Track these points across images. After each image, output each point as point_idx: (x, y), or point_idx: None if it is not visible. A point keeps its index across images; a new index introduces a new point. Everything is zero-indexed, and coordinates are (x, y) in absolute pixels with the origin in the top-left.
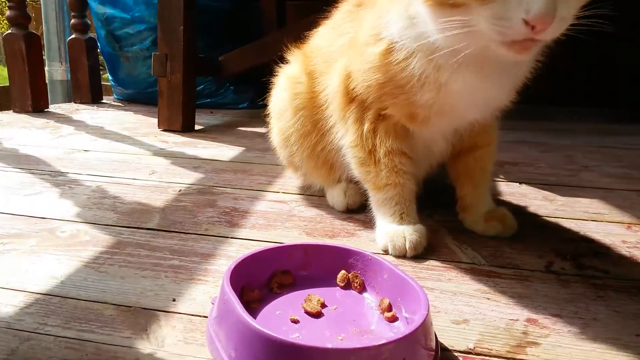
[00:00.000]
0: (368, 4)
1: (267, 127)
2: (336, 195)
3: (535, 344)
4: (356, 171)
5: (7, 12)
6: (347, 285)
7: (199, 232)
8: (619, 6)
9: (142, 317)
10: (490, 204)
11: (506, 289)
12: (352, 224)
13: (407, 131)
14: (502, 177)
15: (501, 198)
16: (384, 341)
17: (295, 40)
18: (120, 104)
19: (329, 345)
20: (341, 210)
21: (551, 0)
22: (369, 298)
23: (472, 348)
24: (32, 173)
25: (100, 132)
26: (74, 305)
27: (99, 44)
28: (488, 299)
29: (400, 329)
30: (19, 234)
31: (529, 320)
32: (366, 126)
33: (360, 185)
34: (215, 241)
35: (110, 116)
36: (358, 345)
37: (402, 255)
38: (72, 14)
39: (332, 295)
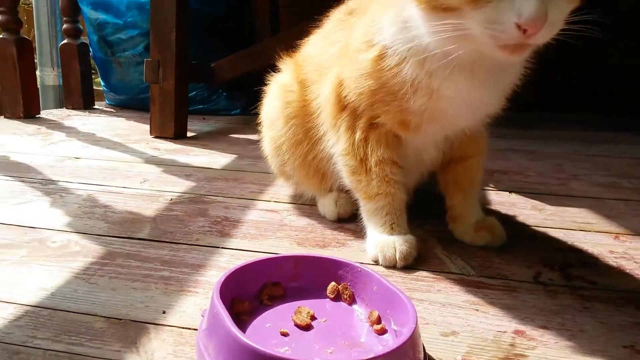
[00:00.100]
0: (359, 12)
1: (259, 134)
2: (327, 205)
3: (523, 356)
4: (347, 180)
5: None
6: (337, 297)
7: (190, 242)
8: (608, 12)
9: (132, 329)
10: (480, 214)
11: (494, 300)
12: (343, 233)
13: (398, 140)
14: (492, 185)
15: (491, 207)
16: (372, 355)
17: (288, 47)
18: (112, 110)
19: None
20: (332, 219)
21: (542, 5)
22: (359, 310)
23: None
24: (22, 181)
25: (91, 138)
26: (64, 317)
27: (91, 49)
28: (477, 310)
29: (389, 342)
30: (9, 244)
31: (516, 332)
32: (358, 135)
33: (351, 194)
34: (206, 251)
35: (102, 122)
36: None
37: (392, 266)
38: (64, 18)
39: (322, 307)
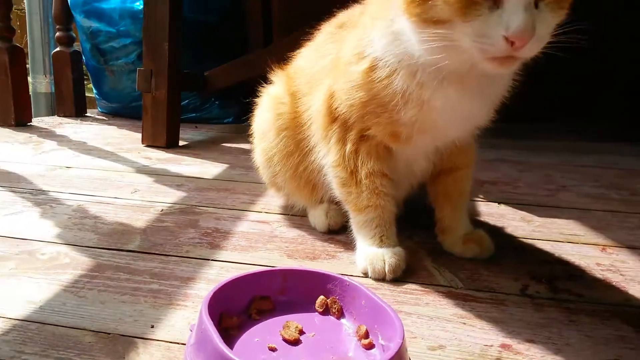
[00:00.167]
0: (349, 25)
1: (251, 144)
2: (318, 216)
3: None
4: (337, 192)
5: None
6: (326, 311)
7: (179, 254)
8: (596, 22)
9: (120, 344)
10: (468, 226)
11: (482, 313)
12: (333, 245)
13: (389, 152)
14: (481, 196)
15: (480, 218)
16: None
17: (281, 56)
18: (104, 118)
19: None
20: (323, 231)
21: (530, 19)
22: (347, 324)
23: None
24: (13, 191)
25: (83, 147)
26: (52, 332)
27: (83, 57)
28: (464, 323)
29: (377, 357)
30: None
31: (503, 345)
32: (348, 147)
33: (341, 206)
34: (195, 264)
35: (93, 131)
36: None
37: (381, 279)
38: (57, 26)
39: (310, 321)
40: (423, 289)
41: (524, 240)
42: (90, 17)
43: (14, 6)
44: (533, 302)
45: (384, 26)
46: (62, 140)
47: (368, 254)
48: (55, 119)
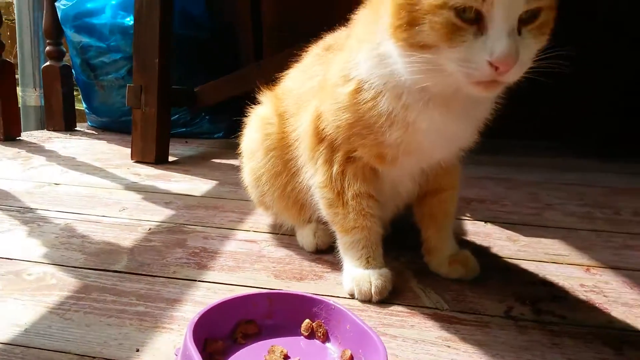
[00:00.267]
0: (336, 48)
1: (241, 160)
2: (306, 236)
3: None
4: (324, 212)
5: None
6: (311, 335)
7: (166, 275)
8: (578, 47)
9: None
10: (454, 246)
11: (466, 335)
12: (320, 265)
13: (375, 174)
14: (468, 215)
15: (467, 238)
16: None
17: (272, 73)
18: (94, 132)
19: None
20: (310, 250)
21: (513, 44)
22: (332, 348)
23: None
24: (0, 209)
25: (72, 163)
26: (37, 355)
27: (73, 72)
28: (448, 346)
29: None
30: None
31: None
32: (335, 168)
33: (329, 226)
34: (182, 285)
35: (83, 145)
36: None
37: (367, 300)
38: (47, 41)
39: (295, 345)
40: (409, 310)
41: (510, 260)
42: (81, 32)
43: (4, 17)
44: (517, 325)
45: (369, 49)
46: (51, 155)
47: (354, 276)
48: (45, 133)
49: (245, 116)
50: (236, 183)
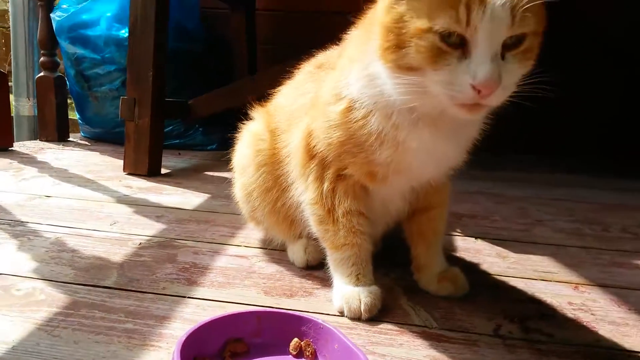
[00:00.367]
0: (328, 66)
1: (233, 174)
2: (296, 252)
3: None
4: (315, 229)
5: None
6: (300, 354)
7: (156, 292)
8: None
9: None
10: (443, 263)
11: (455, 354)
12: (310, 281)
13: (365, 192)
14: (459, 231)
15: (456, 254)
16: None
17: (265, 86)
18: (86, 143)
19: None
20: (301, 266)
21: (496, 68)
22: None
23: None
24: None
25: (64, 175)
26: None
27: (67, 83)
28: None
29: None
30: None
31: None
32: (326, 185)
33: (319, 242)
34: (171, 302)
35: (75, 157)
36: None
37: (357, 318)
38: (42, 51)
39: None
40: (398, 328)
41: (499, 277)
42: (76, 44)
43: None
44: (505, 343)
45: (360, 68)
46: (43, 167)
47: (344, 293)
48: (37, 144)
49: (237, 131)
50: (228, 196)
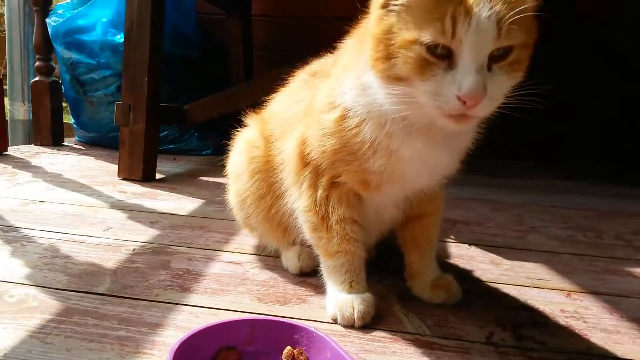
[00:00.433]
0: (322, 74)
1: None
2: (290, 259)
3: None
4: (308, 236)
5: None
6: None
7: (149, 298)
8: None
9: None
10: (437, 271)
11: None
12: (304, 288)
13: (359, 199)
14: (453, 237)
15: (450, 261)
16: None
17: (261, 92)
18: (81, 147)
19: None
20: (295, 273)
21: (481, 80)
22: None
23: None
24: None
25: (58, 180)
26: None
27: (62, 87)
28: None
29: None
30: None
31: None
32: (320, 193)
33: (313, 249)
34: (165, 309)
35: (70, 161)
36: None
37: (350, 325)
38: (37, 56)
39: None
40: (391, 336)
41: (492, 284)
42: (71, 49)
43: None
44: (497, 351)
45: (354, 77)
46: (37, 171)
47: (337, 301)
48: (32, 148)
49: (232, 138)
50: (223, 202)
